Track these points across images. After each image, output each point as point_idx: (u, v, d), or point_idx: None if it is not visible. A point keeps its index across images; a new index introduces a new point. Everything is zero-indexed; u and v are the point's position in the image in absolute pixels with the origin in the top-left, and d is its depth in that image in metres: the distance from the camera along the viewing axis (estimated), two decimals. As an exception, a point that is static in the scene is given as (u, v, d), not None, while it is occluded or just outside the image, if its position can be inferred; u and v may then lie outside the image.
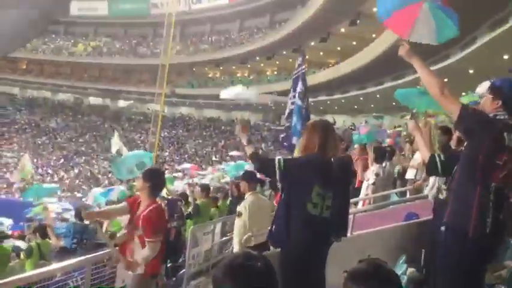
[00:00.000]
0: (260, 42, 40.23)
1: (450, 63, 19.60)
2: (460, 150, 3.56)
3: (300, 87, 6.78)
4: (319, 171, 3.31)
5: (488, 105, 2.86)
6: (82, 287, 4.21)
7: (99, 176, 37.73)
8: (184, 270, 6.16)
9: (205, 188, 9.60)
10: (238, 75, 48.02)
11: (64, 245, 6.65)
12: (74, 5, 54.23)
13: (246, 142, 3.54)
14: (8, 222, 14.47)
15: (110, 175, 35.74)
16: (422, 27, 3.12)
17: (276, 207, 3.67)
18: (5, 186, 32.83)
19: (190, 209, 8.90)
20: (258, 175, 5.80)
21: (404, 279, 3.84)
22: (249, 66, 45.02)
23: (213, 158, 38.89)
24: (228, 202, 9.77)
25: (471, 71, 19.30)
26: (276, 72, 44.92)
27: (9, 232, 12.77)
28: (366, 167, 7.34)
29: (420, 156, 7.30)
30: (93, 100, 53.87)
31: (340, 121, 34.52)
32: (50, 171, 39.12)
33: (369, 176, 6.93)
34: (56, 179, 37.72)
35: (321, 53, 33.94)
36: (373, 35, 27.50)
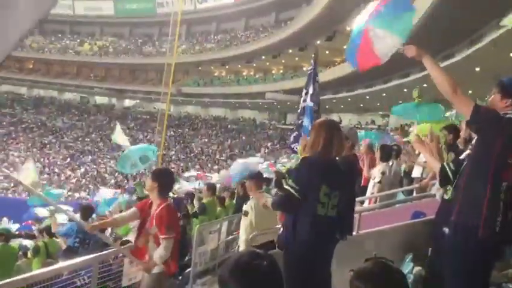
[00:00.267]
0: (266, 40, 40.21)
1: (456, 61, 19.50)
2: (467, 151, 3.55)
3: (311, 88, 6.78)
4: (324, 170, 3.31)
5: (498, 104, 2.85)
6: (89, 286, 4.22)
7: (106, 175, 37.87)
8: (190, 268, 6.18)
9: (211, 187, 9.60)
10: (244, 73, 48.04)
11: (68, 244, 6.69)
12: (80, 5, 54.55)
13: (264, 201, 3.77)
14: (13, 226, 14.51)
15: (116, 174, 35.90)
16: (382, 43, 3.14)
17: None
18: (12, 185, 33.00)
19: (196, 208, 8.91)
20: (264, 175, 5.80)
21: (410, 278, 3.82)
22: (254, 65, 45.02)
23: (219, 157, 38.93)
24: (234, 201, 9.78)
25: (477, 69, 19.20)
26: (281, 71, 44.90)
27: (17, 232, 12.86)
28: (372, 165, 7.31)
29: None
30: (100, 99, 54.09)
31: (346, 120, 34.48)
32: (56, 170, 39.30)
33: (375, 175, 6.90)
34: (62, 178, 37.91)
35: (327, 52, 33.84)
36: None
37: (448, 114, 9.68)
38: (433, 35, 17.10)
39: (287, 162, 19.17)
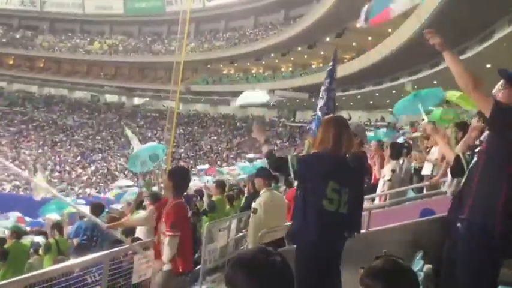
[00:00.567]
0: (275, 38, 40.14)
1: (467, 57, 19.35)
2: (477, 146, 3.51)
3: (327, 82, 6.83)
4: (333, 166, 3.30)
5: (510, 98, 2.81)
6: (100, 283, 4.25)
7: (116, 173, 38.08)
8: (200, 266, 6.20)
9: (220, 185, 9.61)
10: (253, 71, 48.01)
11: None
12: (90, 4, 54.85)
13: (263, 141, 3.63)
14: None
15: (126, 172, 36.08)
16: None
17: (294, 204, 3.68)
18: (23, 182, 33.27)
19: (205, 206, 8.93)
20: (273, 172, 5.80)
21: (421, 276, 3.80)
22: (263, 62, 44.99)
23: (228, 155, 38.97)
24: (243, 199, 9.77)
25: (488, 66, 19.04)
26: (290, 69, 44.82)
27: (28, 228, 12.97)
28: (383, 164, 7.27)
29: (437, 153, 7.24)
30: (109, 98, 54.38)
31: (356, 117, 34.32)
32: (67, 168, 39.59)
33: (385, 173, 6.87)
34: (73, 175, 38.18)
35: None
36: (389, 30, 27.25)
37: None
38: (444, 32, 16.93)
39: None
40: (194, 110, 50.02)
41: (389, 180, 6.68)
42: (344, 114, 29.57)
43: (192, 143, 43.45)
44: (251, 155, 32.41)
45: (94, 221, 5.57)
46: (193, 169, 31.07)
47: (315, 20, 33.24)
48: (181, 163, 35.75)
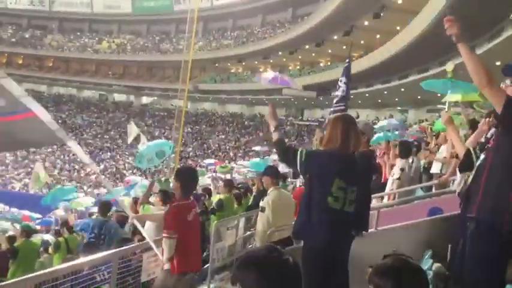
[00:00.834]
0: (282, 36, 40.05)
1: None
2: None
3: (344, 79, 6.87)
4: (340, 164, 3.29)
5: None
6: (109, 281, 4.27)
7: (125, 172, 38.23)
8: (208, 264, 6.20)
9: (228, 184, 9.62)
10: (261, 70, 47.95)
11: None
12: (98, 3, 55.10)
13: (274, 127, 3.50)
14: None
15: (134, 170, 36.22)
16: None
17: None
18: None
19: (214, 204, 8.94)
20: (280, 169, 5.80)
21: (430, 275, 3.78)
22: (271, 61, 44.90)
23: (236, 153, 38.98)
24: (251, 198, 9.77)
25: (498, 63, 18.89)
26: (298, 67, 44.72)
27: (38, 227, 13.08)
28: (393, 164, 7.24)
29: (446, 151, 7.20)
30: (118, 97, 54.62)
31: (364, 115, 34.19)
32: (76, 167, 39.81)
33: (394, 171, 6.84)
34: (82, 174, 38.37)
35: (344, 47, 33.60)
36: (397, 28, 27.12)
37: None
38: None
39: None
40: (202, 109, 50.09)
41: (398, 178, 6.66)
42: (352, 112, 29.47)
43: (200, 142, 43.52)
44: (257, 148, 32.37)
45: (122, 208, 5.64)
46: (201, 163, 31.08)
47: (322, 18, 33.12)
48: (189, 162, 35.85)
